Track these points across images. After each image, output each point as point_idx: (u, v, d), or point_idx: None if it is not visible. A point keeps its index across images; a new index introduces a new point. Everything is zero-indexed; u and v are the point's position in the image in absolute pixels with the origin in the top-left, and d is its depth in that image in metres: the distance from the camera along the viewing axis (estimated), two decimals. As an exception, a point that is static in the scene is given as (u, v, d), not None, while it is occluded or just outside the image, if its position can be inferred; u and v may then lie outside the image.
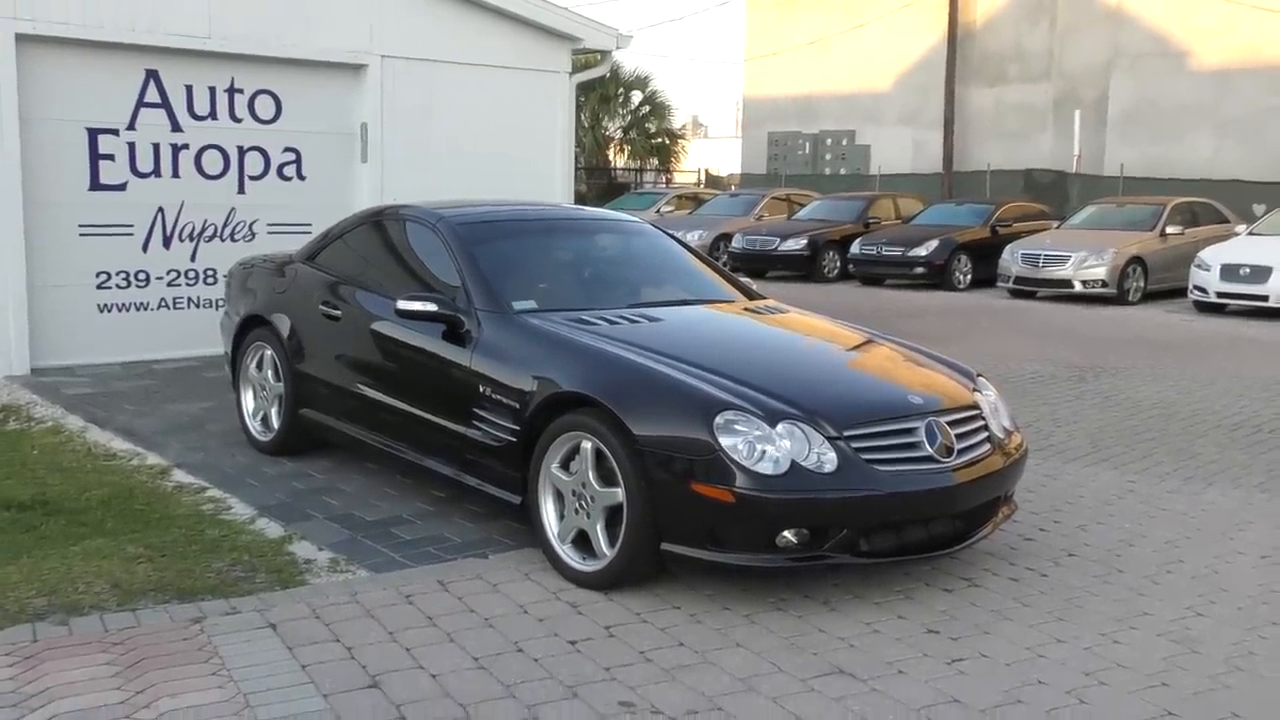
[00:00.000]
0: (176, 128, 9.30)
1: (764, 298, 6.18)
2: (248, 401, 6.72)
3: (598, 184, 34.02)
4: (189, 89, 9.33)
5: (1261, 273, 14.66)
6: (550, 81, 11.19)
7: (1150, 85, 25.03)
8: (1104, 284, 16.29)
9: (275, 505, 5.63)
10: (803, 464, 4.25)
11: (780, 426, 4.30)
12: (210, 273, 9.47)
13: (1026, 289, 17.05)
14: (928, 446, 4.48)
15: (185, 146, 9.35)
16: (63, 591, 4.40)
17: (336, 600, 4.39)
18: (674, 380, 4.52)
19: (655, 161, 36.31)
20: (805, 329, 5.66)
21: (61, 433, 7.03)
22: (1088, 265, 16.40)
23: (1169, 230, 17.03)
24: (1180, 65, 24.68)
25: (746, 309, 5.86)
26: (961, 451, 4.58)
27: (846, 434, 4.37)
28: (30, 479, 6.04)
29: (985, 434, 4.79)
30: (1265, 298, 14.60)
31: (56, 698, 3.53)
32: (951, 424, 4.63)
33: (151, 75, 9.14)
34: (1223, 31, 23.81)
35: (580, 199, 29.81)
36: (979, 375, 5.26)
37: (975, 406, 4.86)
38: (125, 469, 6.26)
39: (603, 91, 33.58)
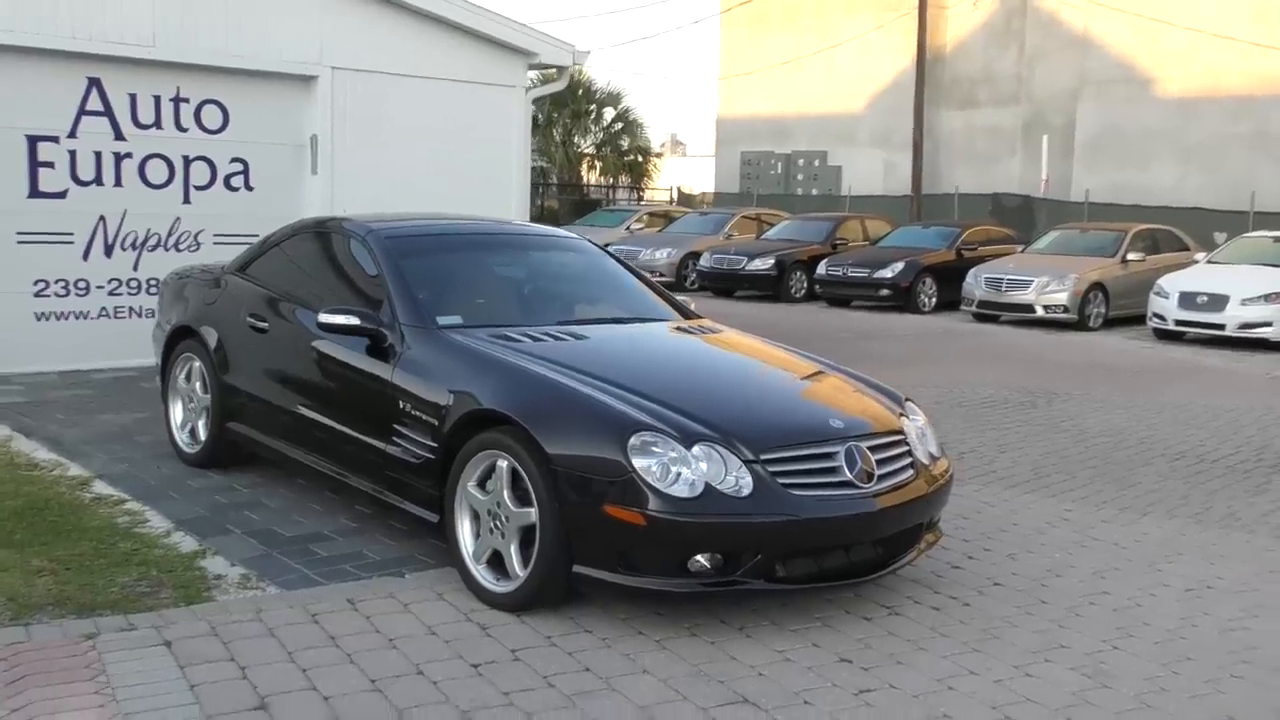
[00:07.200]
0: (119, 136, 9.18)
1: (700, 317, 6.10)
2: (176, 413, 6.60)
3: (569, 200, 33.97)
4: (133, 97, 9.22)
5: (1219, 301, 14.72)
6: (506, 96, 11.13)
7: (1116, 111, 25.20)
8: (1065, 309, 16.32)
9: (193, 519, 5.51)
10: (718, 487, 4.17)
11: (696, 448, 4.22)
12: (153, 282, 9.30)
13: (990, 313, 17.08)
14: (847, 471, 4.41)
15: (128, 155, 9.23)
16: (-46, 606, 4.28)
17: (239, 618, 4.28)
18: (590, 399, 4.44)
19: (628, 178, 36.28)
20: (734, 349, 5.59)
21: (-15, 442, 6.89)
22: (1050, 290, 16.42)
23: (1130, 257, 17.10)
24: (1145, 92, 24.87)
25: (678, 328, 5.78)
26: (883, 477, 4.51)
27: (764, 457, 4.29)
28: (-56, 489, 5.89)
29: (909, 460, 4.71)
30: (1222, 326, 14.66)
31: (-74, 718, 3.42)
32: (874, 449, 4.56)
33: (94, 83, 9.02)
34: (1186, 59, 24.01)
35: (552, 215, 29.77)
36: (907, 400, 5.18)
37: (900, 432, 4.79)
38: (45, 479, 6.12)
39: (574, 108, 33.57)
